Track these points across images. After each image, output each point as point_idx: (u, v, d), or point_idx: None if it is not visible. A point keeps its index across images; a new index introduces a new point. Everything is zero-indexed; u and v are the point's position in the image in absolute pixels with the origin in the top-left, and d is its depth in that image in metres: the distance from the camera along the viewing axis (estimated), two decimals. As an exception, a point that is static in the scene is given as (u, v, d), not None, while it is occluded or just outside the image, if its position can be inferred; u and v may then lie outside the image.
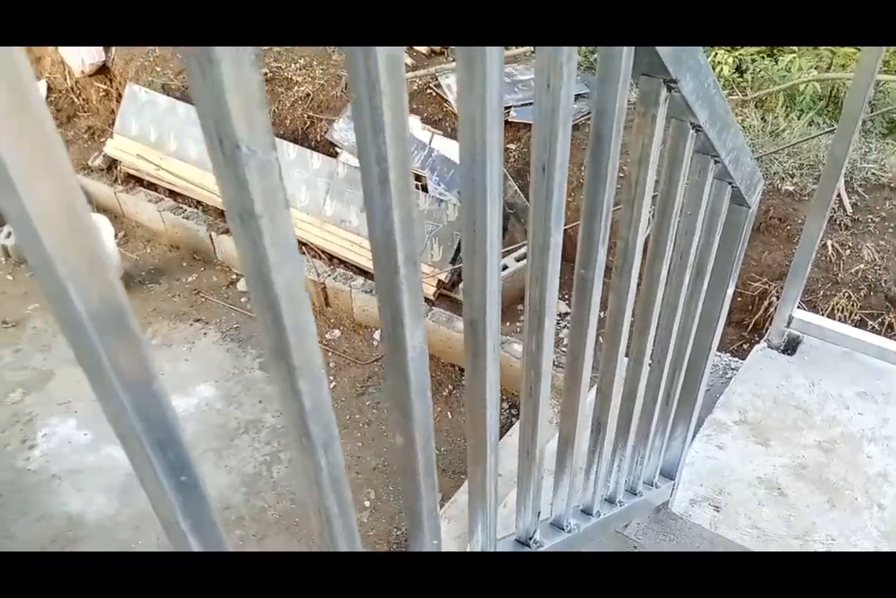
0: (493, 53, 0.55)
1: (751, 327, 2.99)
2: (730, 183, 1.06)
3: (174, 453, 0.44)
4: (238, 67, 0.35)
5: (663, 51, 0.68)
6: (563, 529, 1.21)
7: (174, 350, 3.96)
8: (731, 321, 3.00)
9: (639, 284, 1.13)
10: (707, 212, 1.07)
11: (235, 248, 0.44)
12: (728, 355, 2.57)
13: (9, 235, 4.81)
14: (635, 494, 1.52)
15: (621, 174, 0.90)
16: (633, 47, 0.66)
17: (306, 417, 0.54)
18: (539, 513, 1.16)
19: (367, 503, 3.02)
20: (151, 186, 4.86)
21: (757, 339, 2.89)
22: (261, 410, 3.52)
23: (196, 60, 0.34)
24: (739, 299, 2.98)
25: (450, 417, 3.29)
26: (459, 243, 3.57)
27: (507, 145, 3.90)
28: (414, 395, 0.67)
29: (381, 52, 0.44)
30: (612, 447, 1.38)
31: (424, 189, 3.70)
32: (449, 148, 3.87)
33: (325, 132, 4.21)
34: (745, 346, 2.91)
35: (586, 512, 1.32)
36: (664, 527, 1.80)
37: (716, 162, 0.97)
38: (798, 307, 2.35)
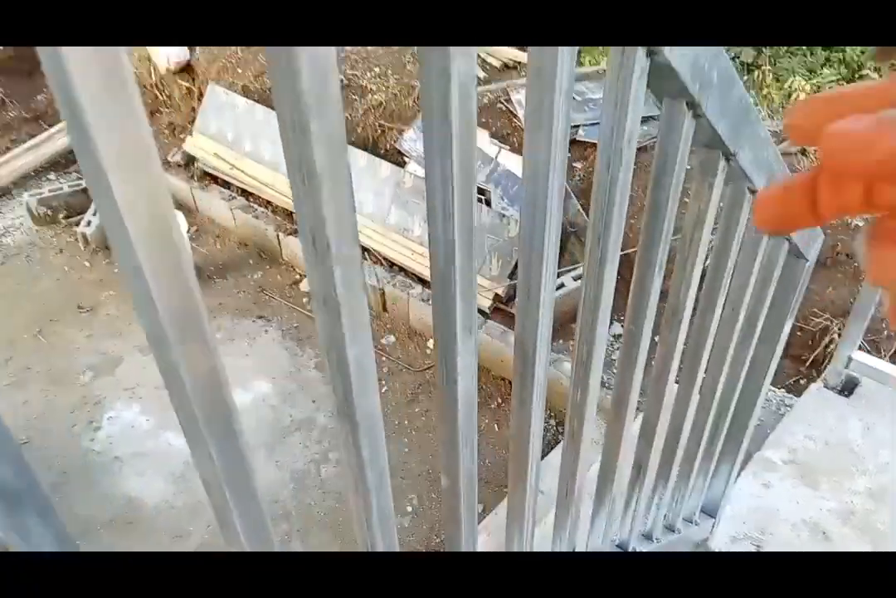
0: (564, 69, 0.56)
1: (809, 362, 2.94)
2: (787, 239, 1.08)
3: (231, 444, 0.48)
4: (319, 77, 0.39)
5: (722, 128, 0.71)
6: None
7: (236, 345, 4.10)
8: (790, 356, 2.96)
9: (688, 334, 1.16)
10: (762, 265, 1.10)
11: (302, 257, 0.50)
12: (783, 390, 2.55)
13: (88, 223, 5.05)
14: (673, 530, 1.54)
15: (683, 211, 0.92)
16: (694, 122, 0.70)
17: (364, 466, 0.60)
18: (574, 547, 1.19)
19: (409, 508, 3.09)
20: (225, 183, 5.03)
21: (815, 375, 2.85)
22: (314, 409, 3.62)
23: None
24: (799, 333, 2.94)
25: (497, 429, 3.33)
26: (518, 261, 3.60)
27: (573, 164, 3.92)
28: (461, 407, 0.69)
29: (455, 73, 0.48)
30: (653, 486, 1.40)
31: (488, 203, 3.75)
32: (515, 163, 3.91)
33: (396, 141, 4.29)
34: (801, 381, 2.87)
35: (622, 547, 1.35)
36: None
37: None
38: (859, 348, 2.32)
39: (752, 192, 0.89)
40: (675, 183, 0.72)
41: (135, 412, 3.78)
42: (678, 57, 0.59)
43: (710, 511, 1.73)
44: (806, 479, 2.05)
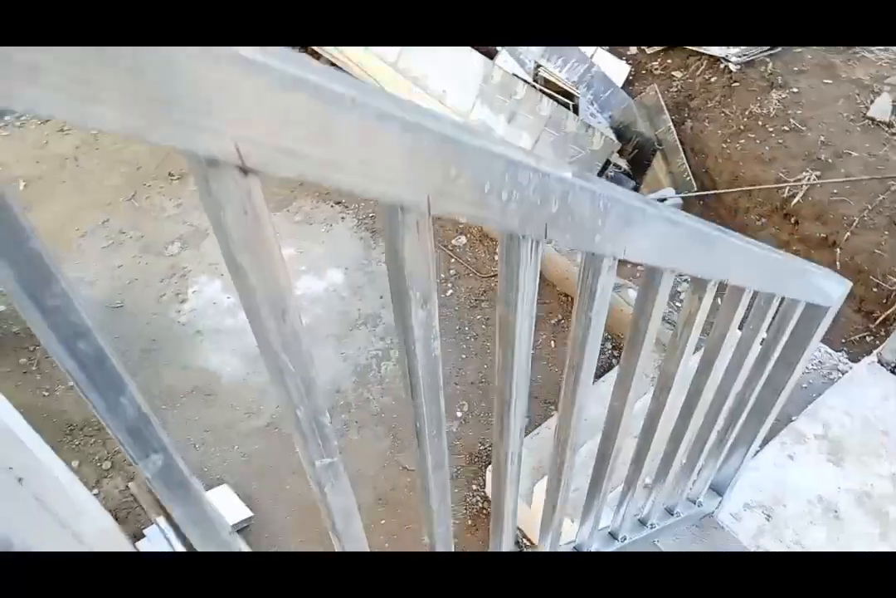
0: None
1: (879, 321, 2.83)
2: (807, 302, 1.05)
3: None
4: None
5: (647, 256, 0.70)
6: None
7: (314, 230, 4.24)
8: (861, 311, 2.85)
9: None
10: (774, 321, 1.08)
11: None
12: (840, 354, 2.49)
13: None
14: (672, 514, 1.63)
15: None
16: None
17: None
18: (560, 534, 1.28)
19: (458, 414, 3.29)
20: (315, 53, 4.93)
21: (882, 334, 2.75)
22: (380, 305, 3.78)
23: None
24: (875, 290, 2.81)
25: (553, 346, 3.42)
26: (599, 174, 3.49)
27: (673, 72, 3.64)
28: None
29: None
30: (654, 473, 1.46)
31: (575, 109, 3.57)
32: (611, 66, 3.67)
33: (489, 28, 4.06)
34: (867, 338, 2.79)
35: (613, 535, 1.45)
36: (702, 534, 1.91)
37: (781, 299, 0.96)
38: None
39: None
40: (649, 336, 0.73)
41: (216, 289, 4.02)
42: (570, 240, 0.59)
43: (719, 489, 1.80)
44: (832, 456, 2.08)
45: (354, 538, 0.74)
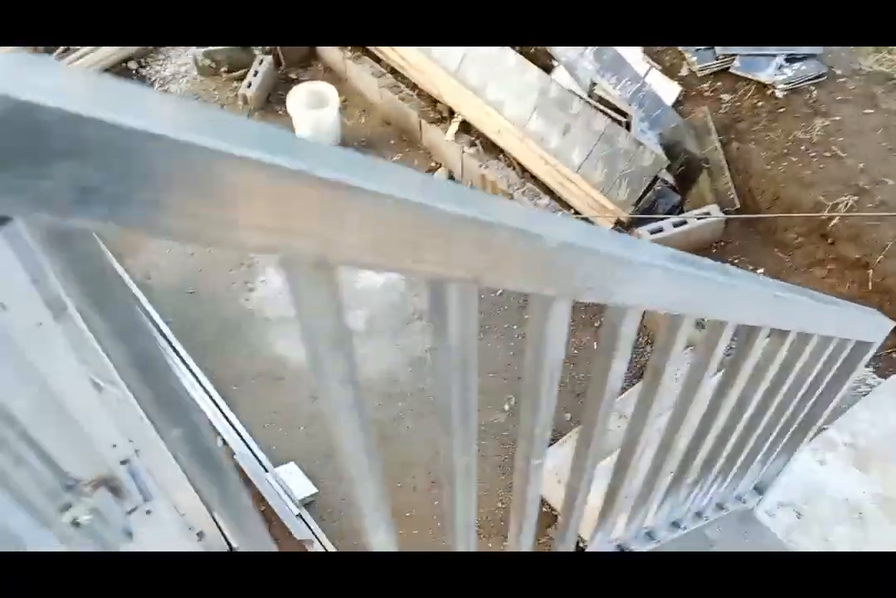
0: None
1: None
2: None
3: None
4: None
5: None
6: (653, 539, 1.64)
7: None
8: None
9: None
10: (828, 354, 1.34)
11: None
12: (869, 369, 2.75)
13: (249, 85, 5.36)
14: (723, 508, 1.90)
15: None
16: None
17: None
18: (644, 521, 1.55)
19: (506, 407, 3.55)
20: (377, 59, 5.16)
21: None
22: (436, 302, 4.04)
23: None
24: (904, 310, 3.05)
25: (594, 347, 3.69)
26: (647, 189, 3.73)
27: (721, 95, 3.85)
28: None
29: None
30: (712, 481, 1.74)
31: (627, 127, 3.81)
32: (662, 86, 3.89)
33: (549, 43, 4.28)
34: (894, 355, 3.03)
35: (676, 524, 1.73)
36: (743, 527, 2.18)
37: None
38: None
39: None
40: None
41: (282, 279, 4.30)
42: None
43: (760, 488, 2.07)
44: (859, 462, 2.34)
45: (532, 517, 1.00)
